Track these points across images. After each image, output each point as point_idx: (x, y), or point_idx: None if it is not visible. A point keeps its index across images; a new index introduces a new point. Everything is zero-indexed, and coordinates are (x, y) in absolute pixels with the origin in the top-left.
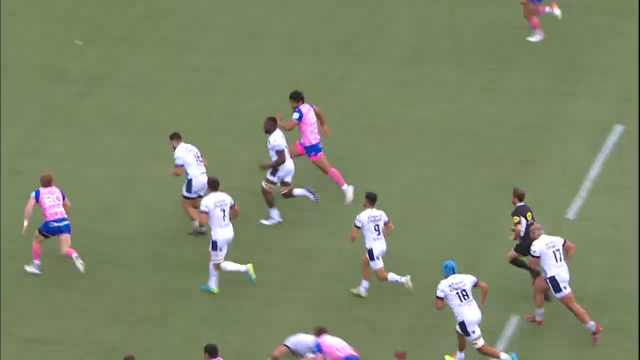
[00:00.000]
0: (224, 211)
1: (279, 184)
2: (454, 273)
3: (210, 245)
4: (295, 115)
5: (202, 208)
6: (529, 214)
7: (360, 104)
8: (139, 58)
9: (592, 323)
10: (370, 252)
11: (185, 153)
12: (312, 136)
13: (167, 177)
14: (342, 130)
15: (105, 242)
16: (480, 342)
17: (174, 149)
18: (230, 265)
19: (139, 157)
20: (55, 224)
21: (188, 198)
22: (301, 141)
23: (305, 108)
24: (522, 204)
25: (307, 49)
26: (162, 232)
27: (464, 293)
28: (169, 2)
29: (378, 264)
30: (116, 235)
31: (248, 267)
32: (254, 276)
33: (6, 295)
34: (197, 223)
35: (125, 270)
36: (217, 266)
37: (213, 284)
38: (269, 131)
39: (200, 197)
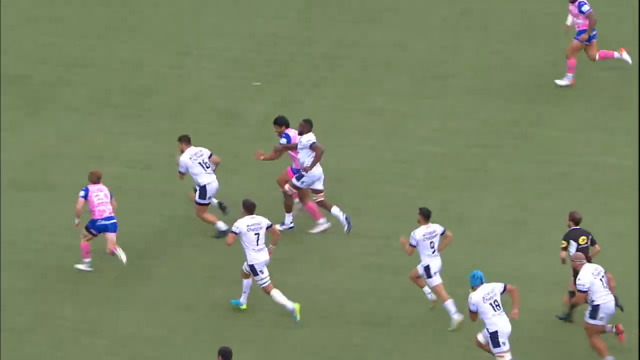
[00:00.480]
0: (257, 235)
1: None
2: (482, 283)
3: (249, 270)
4: (283, 140)
5: (233, 229)
6: (582, 238)
7: (553, 150)
8: (318, 100)
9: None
10: (427, 269)
11: (189, 161)
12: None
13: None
14: (533, 177)
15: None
16: (508, 357)
17: (181, 152)
18: (279, 297)
19: None
20: (103, 222)
21: (202, 204)
22: (292, 167)
23: (292, 132)
24: (576, 227)
25: (493, 90)
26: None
27: (496, 303)
28: (350, 43)
29: (436, 280)
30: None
31: (294, 307)
32: (298, 317)
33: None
34: (219, 224)
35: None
36: (267, 291)
37: (243, 299)
38: (302, 133)
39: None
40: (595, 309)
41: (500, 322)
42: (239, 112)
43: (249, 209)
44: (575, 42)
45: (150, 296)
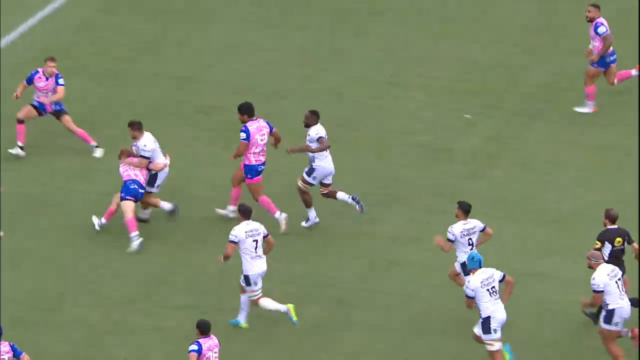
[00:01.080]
0: (256, 242)
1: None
2: (480, 267)
3: (243, 280)
4: (242, 135)
5: (231, 238)
6: (618, 239)
7: None
8: (534, 134)
9: None
10: (464, 265)
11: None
12: (255, 157)
13: None
14: None
15: None
16: (498, 346)
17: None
18: (270, 304)
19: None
20: None
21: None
22: (245, 162)
23: (253, 126)
24: (613, 227)
25: None
26: None
27: (494, 289)
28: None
29: None
30: None
31: (288, 308)
32: (295, 318)
33: None
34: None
35: None
36: (255, 302)
37: (242, 319)
38: (308, 125)
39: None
40: (609, 314)
41: (494, 308)
42: (447, 147)
43: (245, 214)
44: (591, 68)
45: None
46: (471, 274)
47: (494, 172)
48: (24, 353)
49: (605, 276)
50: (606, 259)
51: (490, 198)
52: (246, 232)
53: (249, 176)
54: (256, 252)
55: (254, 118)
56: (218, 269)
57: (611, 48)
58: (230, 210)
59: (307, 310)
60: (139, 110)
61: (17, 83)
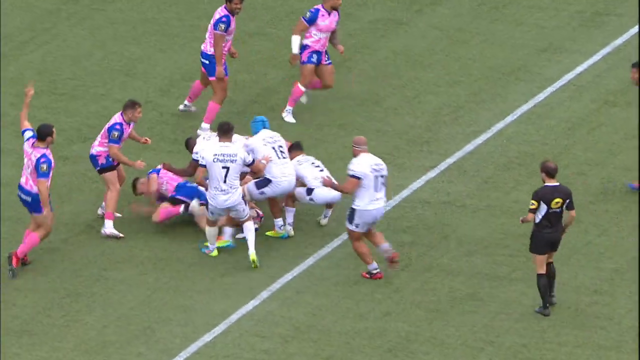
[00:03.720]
0: (227, 169)
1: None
2: (265, 128)
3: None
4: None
5: (195, 157)
6: (557, 200)
7: None
8: None
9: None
10: None
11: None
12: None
13: None
14: None
15: None
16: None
17: None
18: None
19: None
20: None
21: None
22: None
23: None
24: (551, 184)
25: None
26: None
27: (281, 149)
28: None
29: None
30: None
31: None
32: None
33: None
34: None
35: None
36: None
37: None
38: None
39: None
40: (352, 213)
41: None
42: None
43: (224, 132)
44: None
45: None
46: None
47: None
48: None
49: (367, 166)
50: (538, 220)
51: None
52: (215, 154)
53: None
54: (226, 183)
55: None
56: None
57: None
58: None
59: None
60: None
61: None
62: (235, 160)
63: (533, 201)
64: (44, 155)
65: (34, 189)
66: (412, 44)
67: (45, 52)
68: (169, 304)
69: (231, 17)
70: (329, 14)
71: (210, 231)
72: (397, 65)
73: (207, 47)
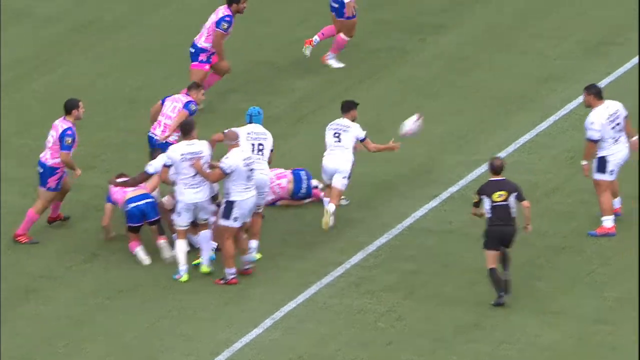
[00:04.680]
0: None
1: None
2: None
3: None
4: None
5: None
6: (500, 193)
7: None
8: None
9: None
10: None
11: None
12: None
13: None
14: None
15: None
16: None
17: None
18: (179, 250)
19: None
20: None
21: None
22: None
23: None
24: (496, 178)
25: None
26: None
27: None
28: None
29: None
30: None
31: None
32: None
33: None
34: None
35: None
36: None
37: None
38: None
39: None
40: (229, 205)
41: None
42: None
43: (188, 131)
44: None
45: None
46: None
47: None
48: None
49: (239, 160)
50: (488, 215)
51: None
52: (183, 154)
53: None
54: (194, 179)
55: None
56: None
57: None
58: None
59: None
60: None
61: None
62: (203, 157)
63: (474, 195)
64: (69, 129)
65: (49, 162)
66: (416, 73)
67: (48, 82)
68: (172, 332)
69: (233, 18)
70: None
71: (179, 246)
72: (402, 94)
73: (200, 40)
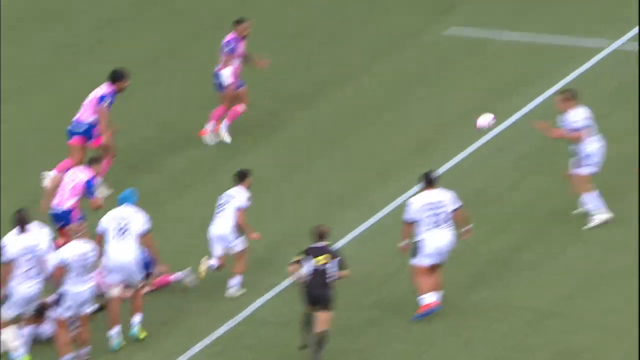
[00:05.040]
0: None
1: None
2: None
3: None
4: None
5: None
6: (323, 256)
7: None
8: None
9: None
10: None
11: None
12: None
13: None
14: None
15: None
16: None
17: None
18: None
19: None
20: None
21: None
22: None
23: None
24: (319, 244)
25: None
26: None
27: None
28: None
29: None
30: None
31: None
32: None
33: None
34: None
35: None
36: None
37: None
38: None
39: None
40: (63, 297)
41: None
42: None
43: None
44: None
45: None
46: None
47: None
48: None
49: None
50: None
51: None
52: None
53: None
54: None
55: None
56: None
57: None
58: None
59: None
60: None
61: None
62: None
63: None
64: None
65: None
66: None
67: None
68: None
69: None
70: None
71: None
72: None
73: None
